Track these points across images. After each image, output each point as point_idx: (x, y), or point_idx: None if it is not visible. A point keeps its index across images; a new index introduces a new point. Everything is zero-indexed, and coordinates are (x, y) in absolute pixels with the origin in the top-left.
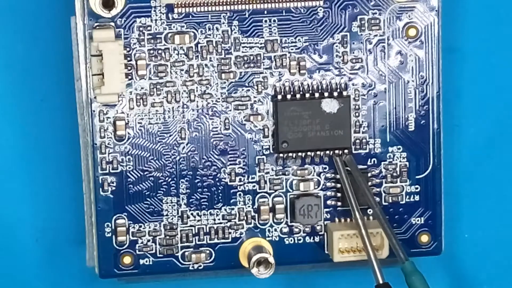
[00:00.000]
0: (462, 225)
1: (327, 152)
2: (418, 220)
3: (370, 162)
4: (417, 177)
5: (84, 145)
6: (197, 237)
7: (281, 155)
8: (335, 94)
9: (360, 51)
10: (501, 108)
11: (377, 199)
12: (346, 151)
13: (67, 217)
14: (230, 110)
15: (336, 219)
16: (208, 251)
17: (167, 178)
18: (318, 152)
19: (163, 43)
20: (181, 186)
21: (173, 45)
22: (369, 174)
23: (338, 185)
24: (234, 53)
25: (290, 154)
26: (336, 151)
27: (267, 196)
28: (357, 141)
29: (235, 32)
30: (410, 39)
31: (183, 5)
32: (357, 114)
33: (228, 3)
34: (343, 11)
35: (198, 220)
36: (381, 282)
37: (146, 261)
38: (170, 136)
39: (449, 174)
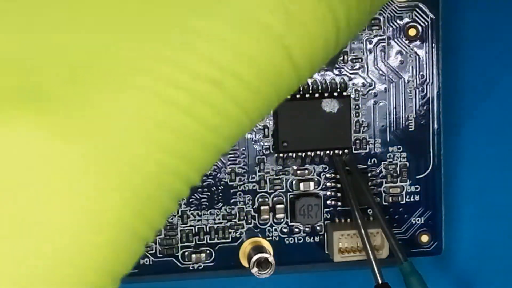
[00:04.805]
0: (462, 225)
1: (327, 152)
2: (418, 220)
3: (370, 162)
4: (417, 177)
5: None
6: (197, 237)
7: (281, 155)
8: (335, 94)
9: (360, 51)
10: (502, 108)
11: (377, 199)
12: (346, 151)
13: None
14: None
15: (336, 219)
16: (208, 251)
17: None
18: (318, 152)
19: None
20: None
21: None
22: (369, 174)
23: (338, 185)
24: None
25: (290, 154)
26: (336, 151)
27: (267, 196)
28: (357, 141)
29: None
30: (410, 39)
31: None
32: (357, 114)
33: None
34: None
35: (198, 220)
36: (380, 282)
37: (146, 261)
38: None
39: (449, 174)
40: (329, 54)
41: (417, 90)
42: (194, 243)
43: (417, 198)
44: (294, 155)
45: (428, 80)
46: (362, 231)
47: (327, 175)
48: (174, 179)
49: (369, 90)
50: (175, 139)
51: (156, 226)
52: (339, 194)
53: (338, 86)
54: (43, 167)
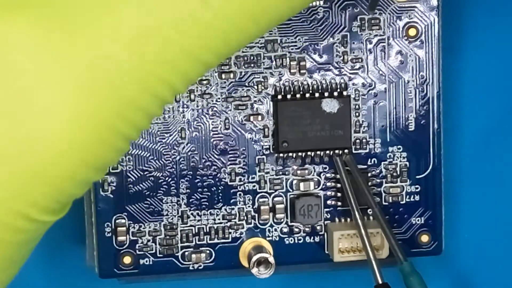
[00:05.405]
0: (462, 225)
1: (327, 152)
2: (418, 220)
3: (370, 162)
4: (417, 177)
5: None
6: (197, 237)
7: (281, 155)
8: (335, 94)
9: (360, 51)
10: (501, 108)
11: (377, 199)
12: (346, 151)
13: (67, 217)
14: (230, 110)
15: (336, 219)
16: (208, 251)
17: (167, 178)
18: (318, 152)
19: None
20: (181, 186)
21: None
22: (369, 174)
23: (338, 185)
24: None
25: (290, 154)
26: (336, 151)
27: (267, 196)
28: (357, 141)
29: None
30: (410, 39)
31: None
32: (357, 114)
33: None
34: (343, 11)
35: (198, 220)
36: (380, 282)
37: (146, 261)
38: (170, 136)
39: (449, 174)
40: None
41: (417, 90)
42: (194, 243)
43: (417, 198)
44: (294, 155)
45: (428, 80)
46: (362, 231)
47: (327, 175)
48: (159, 84)
49: (369, 90)
50: (161, 49)
51: (140, 126)
52: (339, 194)
53: (338, 86)
54: (34, 63)
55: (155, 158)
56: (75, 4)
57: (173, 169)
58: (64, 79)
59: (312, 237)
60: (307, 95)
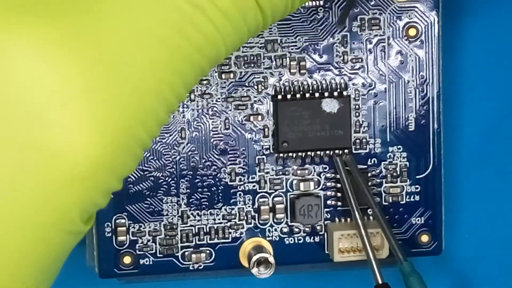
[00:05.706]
0: (462, 225)
1: (327, 152)
2: (418, 220)
3: (370, 162)
4: (417, 177)
5: None
6: (197, 237)
7: (281, 155)
8: (335, 94)
9: (360, 51)
10: (501, 108)
11: (377, 199)
12: (346, 151)
13: None
14: (230, 110)
15: (336, 219)
16: (208, 251)
17: (167, 178)
18: (318, 152)
19: None
20: (181, 186)
21: None
22: (369, 174)
23: (338, 185)
24: (234, 53)
25: (290, 154)
26: (336, 151)
27: (267, 196)
28: (357, 141)
29: None
30: (410, 39)
31: None
32: (357, 114)
33: None
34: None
35: (198, 220)
36: (380, 282)
37: (146, 261)
38: (170, 136)
39: (449, 174)
40: (287, 6)
41: (417, 90)
42: (194, 243)
43: (417, 198)
44: (294, 155)
45: (428, 80)
46: (362, 231)
47: (327, 175)
48: (170, 92)
49: (369, 90)
50: (170, 55)
51: (153, 134)
52: (339, 194)
53: (338, 86)
54: (46, 81)
55: (155, 158)
56: (87, 13)
57: (173, 169)
58: (91, 90)
59: (312, 237)
60: (307, 95)
